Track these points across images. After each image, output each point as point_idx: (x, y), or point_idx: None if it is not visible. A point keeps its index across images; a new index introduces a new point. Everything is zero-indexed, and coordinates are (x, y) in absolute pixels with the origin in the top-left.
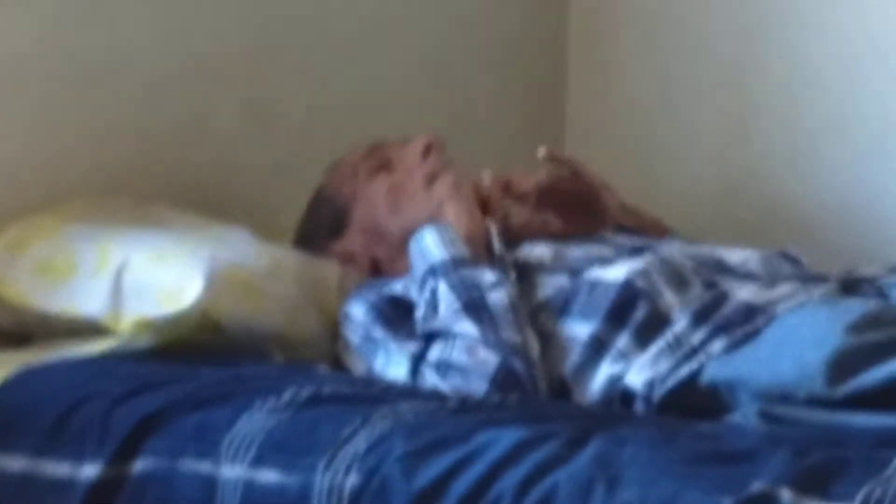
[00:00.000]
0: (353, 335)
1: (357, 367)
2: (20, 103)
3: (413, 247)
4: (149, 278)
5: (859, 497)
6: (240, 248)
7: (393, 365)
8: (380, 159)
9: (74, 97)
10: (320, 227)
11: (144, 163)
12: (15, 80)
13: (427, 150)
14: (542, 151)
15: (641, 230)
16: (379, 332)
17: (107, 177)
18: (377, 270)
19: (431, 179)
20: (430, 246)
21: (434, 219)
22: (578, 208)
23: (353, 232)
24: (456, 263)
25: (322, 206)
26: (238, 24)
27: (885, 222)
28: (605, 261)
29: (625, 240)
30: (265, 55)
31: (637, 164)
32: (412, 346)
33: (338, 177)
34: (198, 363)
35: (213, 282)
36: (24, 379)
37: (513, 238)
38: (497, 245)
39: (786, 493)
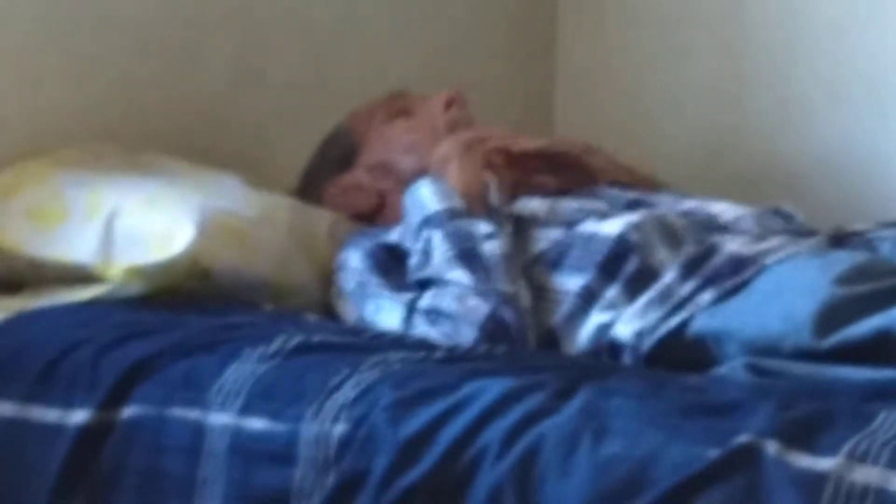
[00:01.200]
0: (348, 282)
1: (349, 314)
2: (8, 54)
3: (408, 198)
4: (140, 225)
5: (844, 450)
6: (231, 195)
7: (385, 312)
8: (400, 106)
9: (63, 49)
10: (330, 160)
11: (133, 114)
12: (2, 31)
13: (449, 104)
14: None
15: (634, 185)
16: (373, 280)
17: (96, 127)
18: (382, 205)
19: (454, 127)
20: (425, 197)
21: (435, 172)
22: (567, 169)
23: (361, 166)
24: (451, 214)
25: (335, 142)
26: None
27: (876, 179)
28: (600, 214)
29: (618, 193)
30: (255, 7)
31: (628, 122)
32: (406, 295)
33: (355, 118)
34: (187, 311)
35: (204, 228)
36: (15, 325)
37: (509, 194)
38: (495, 198)
39: (771, 445)
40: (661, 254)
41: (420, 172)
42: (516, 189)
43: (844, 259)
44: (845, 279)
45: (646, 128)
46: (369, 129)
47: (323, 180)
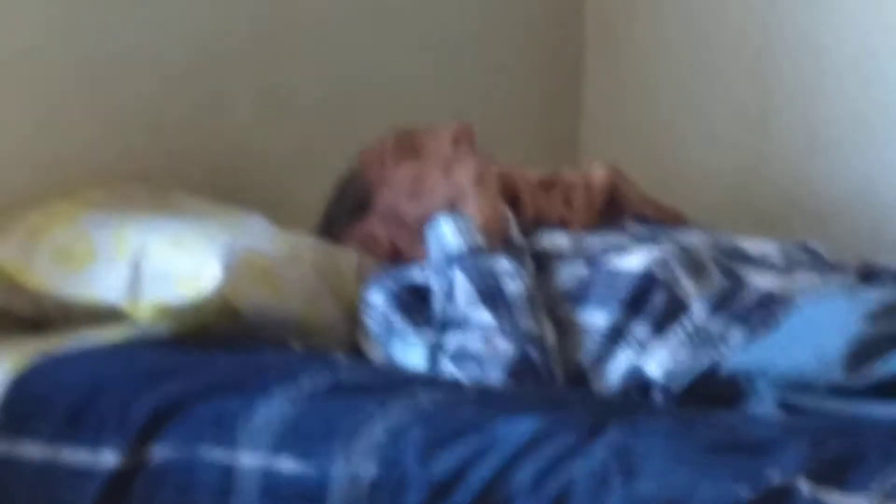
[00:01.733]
0: (373, 322)
1: (376, 354)
2: (35, 92)
3: (429, 235)
4: (167, 265)
5: (877, 487)
6: (257, 234)
7: (411, 353)
8: (408, 147)
9: (89, 85)
10: (344, 209)
11: (159, 150)
12: (30, 69)
13: (457, 139)
14: None
15: (660, 220)
16: (397, 320)
17: (122, 164)
18: (397, 254)
19: (448, 167)
20: (446, 234)
21: (452, 206)
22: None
23: (375, 215)
24: (472, 252)
25: (348, 189)
26: (252, 10)
27: None
28: (622, 249)
29: (642, 229)
30: (280, 41)
31: (654, 153)
32: (430, 335)
33: (366, 162)
34: (216, 351)
35: (232, 268)
36: (43, 366)
37: (531, 227)
38: (515, 234)
39: (804, 484)
40: (687, 285)
41: (425, 220)
42: (539, 221)
43: (874, 296)
44: (875, 316)
45: (670, 160)
46: (382, 173)
47: (341, 226)
